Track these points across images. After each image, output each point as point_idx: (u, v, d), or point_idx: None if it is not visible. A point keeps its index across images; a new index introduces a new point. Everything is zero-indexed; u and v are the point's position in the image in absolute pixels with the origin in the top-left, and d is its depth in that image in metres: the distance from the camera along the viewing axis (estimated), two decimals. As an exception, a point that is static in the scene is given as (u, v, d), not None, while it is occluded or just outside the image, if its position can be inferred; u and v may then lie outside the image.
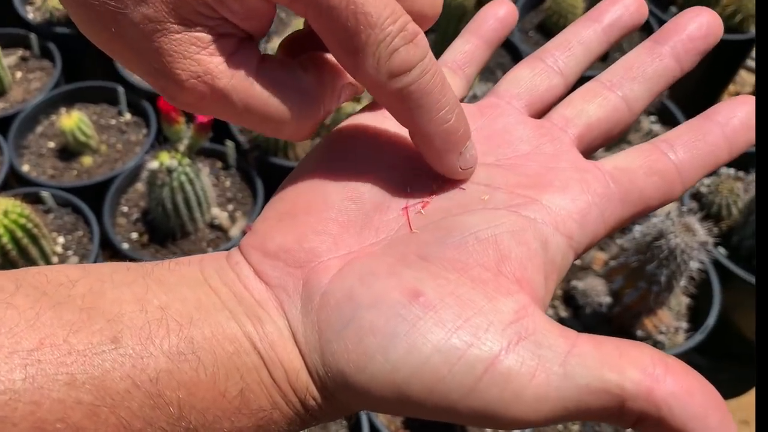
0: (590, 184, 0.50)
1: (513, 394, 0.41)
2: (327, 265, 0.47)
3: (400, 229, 0.50)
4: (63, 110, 2.48)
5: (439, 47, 2.47)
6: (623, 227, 0.55)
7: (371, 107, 0.56)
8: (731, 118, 0.52)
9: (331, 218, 0.49)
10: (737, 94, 3.22)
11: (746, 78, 3.28)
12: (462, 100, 0.59)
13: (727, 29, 2.82)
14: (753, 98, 0.54)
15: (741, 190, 2.23)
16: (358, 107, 2.04)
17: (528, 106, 0.57)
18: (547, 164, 0.52)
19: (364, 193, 0.51)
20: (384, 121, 0.54)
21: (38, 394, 0.38)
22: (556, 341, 0.43)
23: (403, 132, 0.52)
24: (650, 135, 2.37)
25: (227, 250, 0.52)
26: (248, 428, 0.44)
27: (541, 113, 0.57)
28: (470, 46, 0.61)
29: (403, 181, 0.52)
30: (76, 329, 0.40)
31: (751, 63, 3.27)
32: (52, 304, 0.41)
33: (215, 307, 0.45)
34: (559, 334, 0.43)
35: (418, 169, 0.53)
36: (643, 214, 0.52)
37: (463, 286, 0.45)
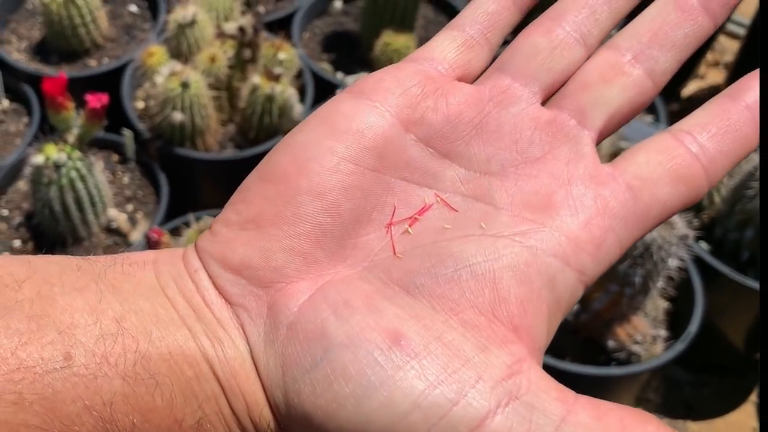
0: (608, 204, 0.50)
1: None
2: (295, 288, 0.47)
3: (383, 250, 0.50)
4: (-74, 97, 2.45)
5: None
6: None
7: (355, 92, 0.54)
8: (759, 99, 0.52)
9: (302, 233, 0.49)
10: (716, 63, 3.27)
11: (726, 44, 3.33)
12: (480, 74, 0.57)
13: (704, -11, 2.86)
14: None
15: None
16: (278, 87, 2.05)
17: (543, 89, 0.54)
18: (560, 175, 0.51)
19: (343, 204, 0.50)
20: (371, 113, 0.51)
21: None
22: (551, 405, 0.43)
23: (394, 131, 0.51)
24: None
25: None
26: None
27: (555, 92, 0.56)
28: (496, 6, 0.57)
29: (390, 191, 0.52)
30: (25, 341, 0.41)
31: (733, 27, 3.32)
32: None
33: (173, 323, 0.46)
34: (556, 397, 0.44)
35: (408, 176, 0.52)
36: (662, 223, 0.52)
37: (452, 331, 0.45)
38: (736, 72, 3.01)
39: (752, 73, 0.52)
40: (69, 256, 0.48)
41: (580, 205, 0.50)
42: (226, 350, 0.46)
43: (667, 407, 2.41)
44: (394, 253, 0.49)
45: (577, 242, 0.49)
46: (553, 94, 0.55)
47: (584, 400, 0.44)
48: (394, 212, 0.51)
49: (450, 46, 0.55)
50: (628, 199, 0.50)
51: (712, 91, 3.18)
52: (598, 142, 0.53)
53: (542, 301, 0.47)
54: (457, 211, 0.51)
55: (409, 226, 0.51)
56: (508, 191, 0.51)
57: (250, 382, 0.45)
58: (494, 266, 0.47)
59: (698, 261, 2.09)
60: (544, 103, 0.54)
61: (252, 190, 0.50)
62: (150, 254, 0.49)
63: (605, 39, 0.56)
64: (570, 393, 0.44)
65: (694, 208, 2.23)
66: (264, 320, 0.47)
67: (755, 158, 2.10)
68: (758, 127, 0.51)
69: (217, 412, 0.45)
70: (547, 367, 1.85)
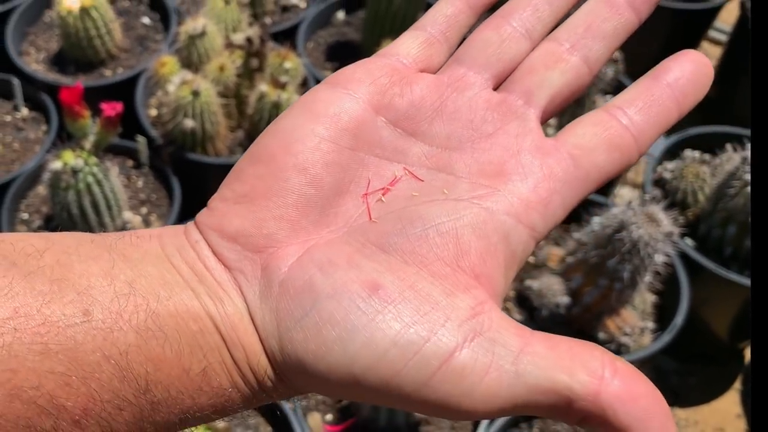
0: (552, 170, 0.54)
1: (465, 390, 0.46)
2: (285, 252, 0.51)
3: (360, 216, 0.54)
4: (-50, 106, 2.46)
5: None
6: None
7: (331, 82, 0.58)
8: (679, 78, 0.57)
9: (290, 203, 0.52)
10: (700, 69, 3.26)
11: (709, 50, 3.33)
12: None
13: (688, -2, 2.87)
14: (698, 53, 0.58)
15: (707, 175, 2.26)
16: (284, 95, 2.05)
17: (494, 77, 0.59)
18: (510, 147, 0.55)
19: (324, 177, 0.53)
20: (346, 99, 0.56)
21: (15, 362, 0.42)
22: (510, 339, 0.47)
23: (366, 114, 0.56)
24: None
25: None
26: (207, 406, 0.49)
27: (505, 79, 0.60)
28: (453, 9, 0.62)
29: (364, 166, 0.56)
30: (48, 300, 0.44)
31: (715, 34, 3.32)
32: (23, 274, 0.44)
33: (179, 285, 0.49)
34: (514, 333, 0.48)
35: (379, 153, 0.56)
36: (601, 186, 0.57)
37: (423, 280, 0.49)
38: (719, 75, 3.01)
39: (672, 56, 0.57)
40: (83, 232, 0.51)
41: (529, 171, 0.54)
42: (226, 307, 0.49)
43: (655, 395, 2.42)
44: (370, 218, 0.53)
45: (527, 203, 0.53)
46: (503, 82, 0.60)
47: (539, 334, 0.48)
48: (369, 184, 0.55)
49: (413, 43, 0.60)
50: (570, 166, 0.54)
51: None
52: (543, 120, 0.58)
53: (499, 254, 0.52)
54: (422, 181, 0.55)
55: (383, 195, 0.55)
56: (466, 162, 0.55)
57: (249, 334, 0.49)
58: (456, 224, 0.51)
59: (684, 256, 2.10)
60: (495, 88, 0.59)
61: (244, 170, 0.54)
62: (155, 230, 0.53)
63: (548, 33, 0.62)
64: (527, 330, 0.48)
65: (679, 206, 2.24)
66: (259, 280, 0.50)
67: (736, 158, 2.11)
68: (678, 101, 0.56)
69: (219, 362, 0.48)
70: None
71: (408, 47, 0.59)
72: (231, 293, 0.50)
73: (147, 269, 0.49)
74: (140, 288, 0.47)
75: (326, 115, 0.55)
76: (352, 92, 0.56)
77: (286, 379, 0.50)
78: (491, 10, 0.63)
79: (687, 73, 0.57)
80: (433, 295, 0.48)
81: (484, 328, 0.47)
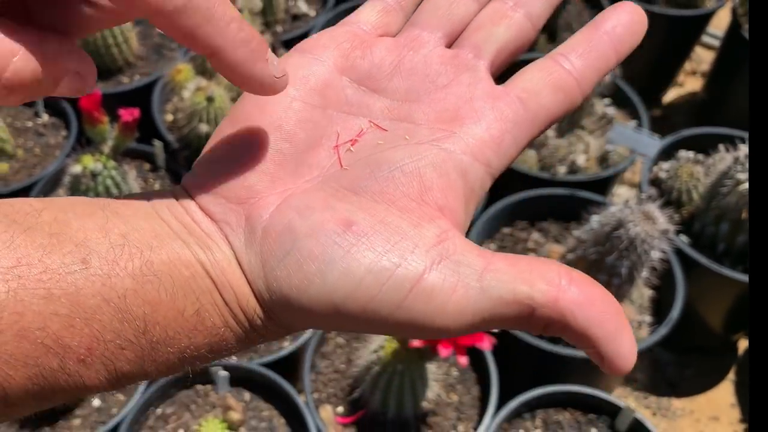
0: (503, 112, 0.57)
1: (436, 308, 0.49)
2: (266, 201, 0.53)
3: (332, 166, 0.56)
4: (-26, 113, 2.46)
5: None
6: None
7: (299, 49, 0.61)
8: (616, 26, 0.59)
9: (267, 158, 0.55)
10: (694, 72, 3.27)
11: (702, 55, 3.34)
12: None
13: (681, 4, 2.87)
14: (634, 5, 0.61)
15: (701, 174, 2.27)
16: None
17: (446, 36, 0.62)
18: (463, 95, 0.58)
19: (298, 133, 0.56)
20: (313, 63, 0.59)
21: (20, 306, 0.43)
22: (474, 260, 0.50)
23: (332, 76, 0.59)
24: (604, 119, 2.40)
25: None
26: (203, 345, 0.51)
27: (456, 39, 0.63)
28: None
29: (333, 122, 0.58)
30: (48, 251, 0.45)
31: (708, 39, 3.33)
32: (23, 229, 0.46)
33: (169, 236, 0.51)
34: (477, 254, 0.51)
35: (346, 109, 0.59)
36: (550, 126, 0.59)
37: (391, 215, 0.52)
38: (711, 79, 3.02)
39: (611, 6, 0.60)
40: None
41: (481, 115, 0.57)
42: (215, 254, 0.51)
43: (653, 386, 2.43)
44: (341, 166, 0.56)
45: (482, 142, 0.56)
46: (455, 40, 0.63)
47: (500, 254, 0.51)
48: (338, 137, 0.58)
49: (372, 11, 0.63)
50: (519, 108, 0.57)
51: (691, 97, 3.19)
52: (493, 73, 0.61)
53: (459, 189, 0.54)
54: (386, 130, 0.58)
55: (351, 146, 0.57)
56: (424, 111, 0.58)
57: (237, 278, 0.51)
58: (419, 164, 0.54)
59: (679, 253, 2.10)
60: (448, 47, 0.62)
61: (224, 131, 0.57)
62: (144, 193, 0.55)
63: None
64: (489, 251, 0.51)
65: (674, 204, 2.24)
66: (243, 229, 0.52)
67: (728, 158, 2.11)
68: (615, 48, 0.59)
69: (212, 303, 0.50)
70: (542, 351, 1.87)
71: (367, 15, 0.62)
72: (218, 242, 0.52)
73: (139, 223, 0.50)
74: (133, 240, 0.49)
75: (296, 78, 0.57)
76: (318, 57, 0.59)
77: (274, 316, 0.52)
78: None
79: (623, 22, 0.59)
80: (402, 227, 0.51)
81: (449, 252, 0.50)
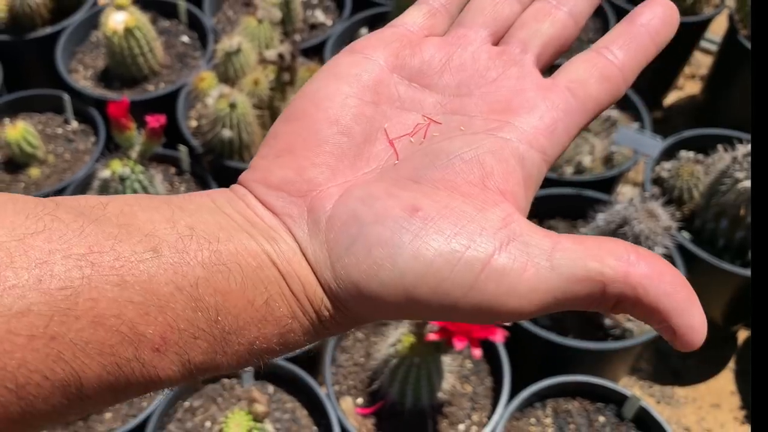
0: (554, 102, 0.57)
1: (508, 288, 0.47)
2: (327, 193, 0.52)
3: (389, 158, 0.56)
4: (7, 121, 2.49)
5: None
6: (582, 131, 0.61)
7: (350, 50, 0.61)
8: (652, 19, 0.59)
9: (326, 151, 0.54)
10: (693, 76, 3.27)
11: (701, 59, 3.34)
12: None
13: (681, 11, 2.87)
14: (666, 0, 0.61)
15: (701, 173, 2.27)
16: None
17: (492, 34, 0.62)
18: (514, 88, 0.58)
19: (354, 127, 0.56)
20: (365, 62, 0.59)
21: (95, 292, 0.42)
22: (541, 240, 0.49)
23: (383, 73, 0.58)
24: (608, 121, 2.41)
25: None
26: (273, 336, 0.50)
27: (502, 38, 0.63)
28: None
29: (387, 117, 0.58)
30: (119, 240, 0.44)
31: (706, 44, 3.33)
32: (92, 219, 0.45)
33: (234, 228, 0.50)
34: (544, 235, 0.50)
35: (399, 105, 0.59)
36: (598, 115, 0.59)
37: (455, 201, 0.50)
38: (710, 82, 3.02)
39: (643, 3, 0.60)
40: None
41: (533, 105, 0.56)
42: (280, 245, 0.50)
43: (658, 375, 2.43)
44: (398, 158, 0.55)
45: (536, 130, 0.55)
46: (500, 39, 0.62)
47: (566, 235, 0.50)
48: (394, 131, 0.57)
49: (418, 14, 0.62)
50: (569, 97, 0.57)
51: (690, 100, 3.19)
52: (540, 67, 0.61)
53: (518, 175, 0.53)
54: (440, 123, 0.57)
55: (410, 137, 0.57)
56: (476, 104, 0.57)
57: (303, 268, 0.50)
58: (477, 152, 0.53)
59: (681, 248, 2.11)
60: (494, 45, 0.62)
61: (279, 130, 0.56)
62: (204, 191, 0.54)
63: None
64: (554, 233, 0.50)
65: (676, 202, 2.25)
66: (306, 221, 0.51)
67: (727, 158, 2.12)
68: (653, 39, 0.59)
69: (279, 293, 0.49)
70: (552, 344, 1.88)
71: (414, 17, 0.62)
72: (282, 235, 0.51)
73: (203, 216, 0.50)
74: (200, 231, 0.48)
75: (349, 75, 0.57)
76: (369, 56, 0.58)
77: (342, 306, 0.51)
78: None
79: (659, 15, 0.59)
80: (467, 212, 0.49)
81: (516, 234, 0.49)
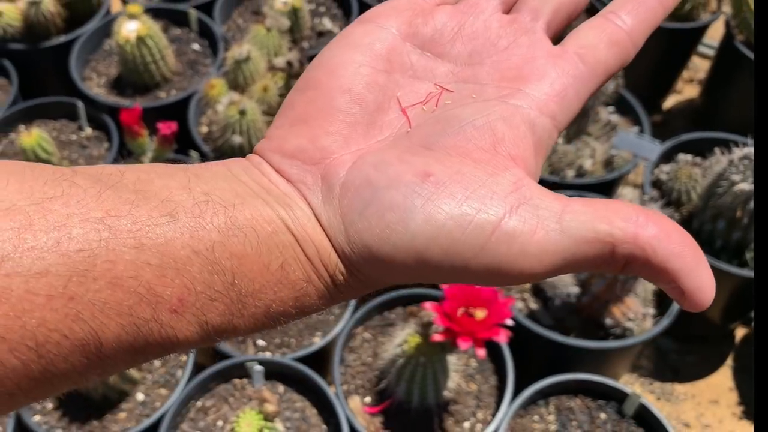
0: (564, 68, 0.57)
1: (518, 249, 0.47)
2: (341, 160, 0.52)
3: (402, 126, 0.56)
4: (22, 128, 2.50)
5: None
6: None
7: (362, 20, 0.61)
8: None
9: (339, 120, 0.54)
10: (691, 80, 3.28)
11: (699, 64, 3.34)
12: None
13: (679, 18, 2.88)
14: None
15: (699, 176, 2.28)
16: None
17: (503, 2, 0.62)
18: (525, 56, 0.58)
19: (367, 96, 0.56)
20: (377, 30, 0.59)
21: (113, 254, 0.42)
22: (551, 203, 0.49)
23: (396, 42, 0.58)
24: (608, 125, 2.41)
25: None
26: (288, 299, 0.50)
27: (513, 5, 0.63)
28: None
29: (400, 86, 0.58)
30: (136, 205, 0.45)
31: (703, 49, 3.33)
32: (109, 185, 0.45)
33: (250, 195, 0.50)
34: (554, 198, 0.50)
35: (411, 74, 0.58)
36: (608, 80, 0.59)
37: (467, 166, 0.51)
38: (707, 86, 3.03)
39: None
40: None
41: (544, 72, 0.56)
42: (295, 211, 0.50)
43: (657, 372, 2.44)
44: (410, 125, 0.55)
45: (546, 96, 0.55)
46: (510, 9, 0.62)
47: (576, 198, 0.50)
48: (406, 99, 0.57)
49: None
50: (578, 63, 0.57)
51: (689, 104, 3.19)
52: (550, 35, 0.60)
53: (528, 140, 0.53)
54: (452, 91, 0.57)
55: (423, 105, 0.56)
56: (488, 72, 0.57)
57: (317, 233, 0.50)
58: (489, 119, 0.53)
59: (680, 249, 2.10)
60: (506, 13, 0.61)
61: (294, 99, 0.56)
62: (220, 161, 0.54)
63: None
64: (564, 196, 0.50)
65: (675, 204, 2.26)
66: (320, 188, 0.51)
67: (724, 161, 2.13)
68: (661, 1, 0.59)
69: (294, 257, 0.49)
70: (554, 343, 1.88)
71: None
72: (297, 201, 0.51)
73: (219, 184, 0.50)
74: (216, 197, 0.48)
75: (362, 44, 0.57)
76: (381, 25, 0.58)
77: (356, 270, 0.51)
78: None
79: None
80: (478, 176, 0.50)
81: (526, 197, 0.49)
